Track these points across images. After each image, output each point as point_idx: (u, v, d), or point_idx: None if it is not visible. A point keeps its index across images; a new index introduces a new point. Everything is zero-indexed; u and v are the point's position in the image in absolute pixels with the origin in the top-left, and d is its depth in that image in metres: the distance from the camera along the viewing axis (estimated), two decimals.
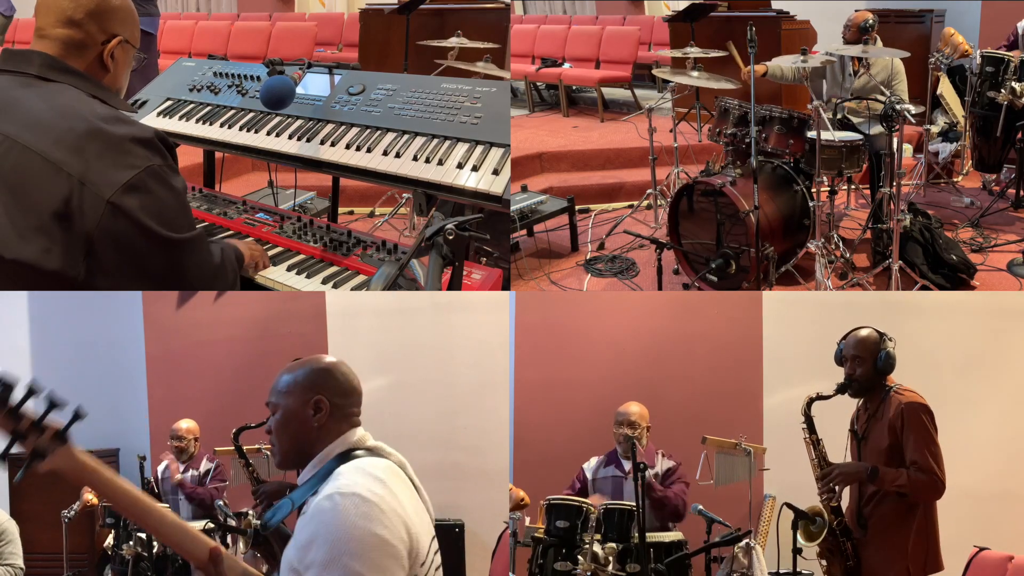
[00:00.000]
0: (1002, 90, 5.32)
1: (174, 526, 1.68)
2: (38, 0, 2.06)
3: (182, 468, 4.65)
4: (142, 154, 1.88)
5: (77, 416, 1.61)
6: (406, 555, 1.57)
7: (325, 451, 1.72)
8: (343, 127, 2.94)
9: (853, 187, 5.68)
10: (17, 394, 1.58)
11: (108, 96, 2.02)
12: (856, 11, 5.14)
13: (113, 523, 4.40)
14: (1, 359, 5.66)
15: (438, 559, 1.74)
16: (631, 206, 5.89)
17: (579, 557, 3.59)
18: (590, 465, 4.15)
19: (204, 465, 4.64)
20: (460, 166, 2.60)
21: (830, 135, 4.43)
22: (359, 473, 1.63)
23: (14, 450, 1.61)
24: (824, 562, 3.12)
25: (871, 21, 4.94)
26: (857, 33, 4.94)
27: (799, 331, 4.54)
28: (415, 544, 1.60)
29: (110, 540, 4.53)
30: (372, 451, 1.74)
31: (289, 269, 2.80)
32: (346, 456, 1.70)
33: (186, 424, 4.71)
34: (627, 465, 3.95)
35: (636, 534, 3.50)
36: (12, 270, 1.79)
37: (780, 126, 4.63)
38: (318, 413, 1.72)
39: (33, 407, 1.59)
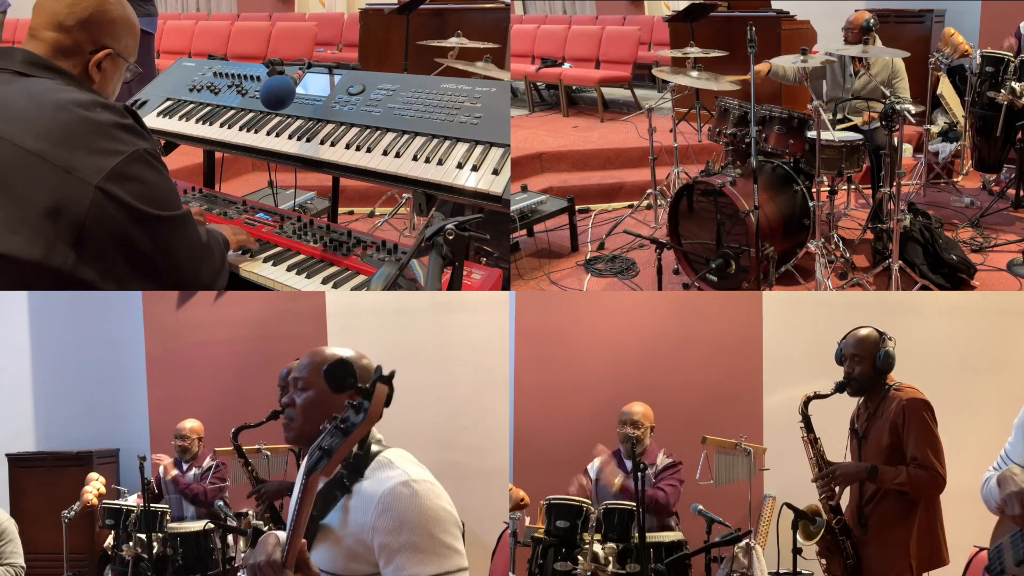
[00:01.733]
0: (1002, 90, 5.33)
1: None
2: (36, 0, 2.05)
3: (184, 468, 4.65)
4: (127, 139, 1.87)
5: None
6: None
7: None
8: (343, 127, 2.94)
9: (853, 187, 5.68)
10: None
11: (87, 87, 2.01)
12: (856, 11, 5.14)
13: (113, 523, 4.40)
14: (1, 359, 5.67)
15: None
16: (631, 206, 5.89)
17: (579, 557, 3.60)
18: (594, 465, 4.15)
19: (207, 464, 4.64)
20: (460, 166, 2.60)
21: (830, 135, 4.43)
22: (411, 462, 1.77)
23: None
24: (823, 561, 3.12)
25: (872, 21, 4.95)
26: (860, 33, 4.94)
27: (799, 331, 4.54)
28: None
29: (110, 540, 4.53)
30: (380, 443, 1.82)
31: (289, 269, 2.80)
32: (367, 446, 1.79)
33: (190, 424, 4.71)
34: (630, 465, 3.95)
35: (636, 534, 3.50)
36: None
37: (780, 126, 4.63)
38: None
39: None
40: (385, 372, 1.51)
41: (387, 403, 1.52)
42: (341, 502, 1.75)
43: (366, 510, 1.69)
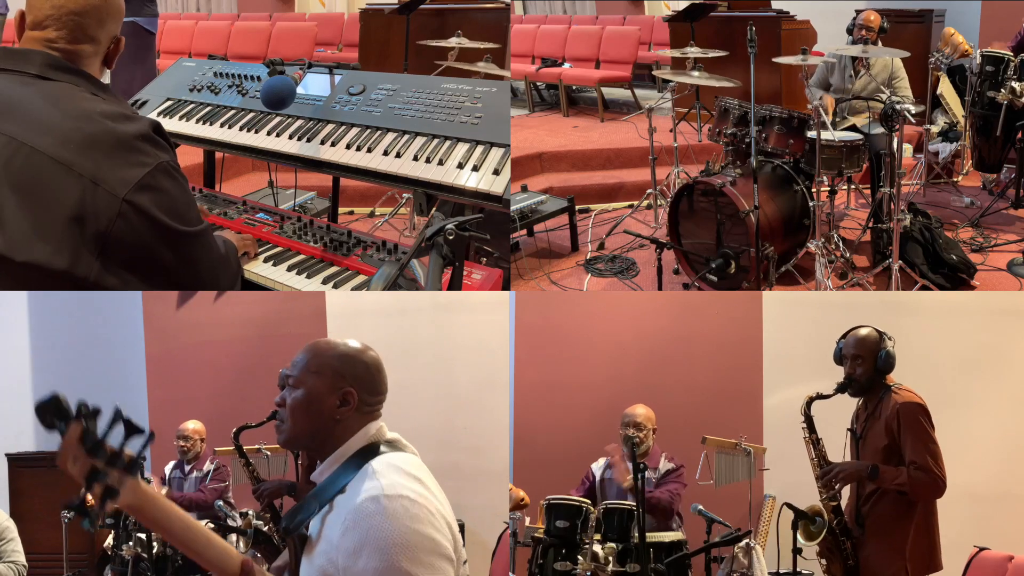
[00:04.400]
0: (1002, 90, 5.32)
1: (214, 548, 1.64)
2: (44, 8, 1.97)
3: (186, 469, 4.66)
4: (151, 151, 1.86)
5: (149, 440, 1.53)
6: (453, 552, 1.56)
7: (345, 446, 1.64)
8: (343, 127, 2.94)
9: (853, 187, 5.68)
10: (101, 426, 1.46)
11: (108, 93, 2.00)
12: (863, 11, 5.13)
13: (113, 523, 4.40)
14: (1, 359, 5.67)
15: (465, 552, 1.71)
16: (631, 206, 5.89)
17: (579, 557, 3.59)
18: (599, 465, 4.16)
19: (207, 466, 4.65)
20: (460, 166, 2.60)
21: (830, 135, 4.43)
22: (397, 472, 1.57)
23: None
24: (824, 561, 3.12)
25: (885, 23, 4.99)
26: (876, 33, 4.95)
27: (799, 331, 4.54)
28: (457, 540, 1.59)
29: (110, 540, 4.53)
30: (392, 444, 1.66)
31: (289, 269, 2.80)
32: (368, 452, 1.62)
33: (192, 425, 4.71)
34: (631, 466, 3.95)
35: (636, 534, 3.50)
36: (24, 272, 1.77)
37: (780, 126, 4.63)
38: (344, 406, 1.64)
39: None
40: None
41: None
42: (322, 514, 1.60)
43: (336, 525, 1.54)
